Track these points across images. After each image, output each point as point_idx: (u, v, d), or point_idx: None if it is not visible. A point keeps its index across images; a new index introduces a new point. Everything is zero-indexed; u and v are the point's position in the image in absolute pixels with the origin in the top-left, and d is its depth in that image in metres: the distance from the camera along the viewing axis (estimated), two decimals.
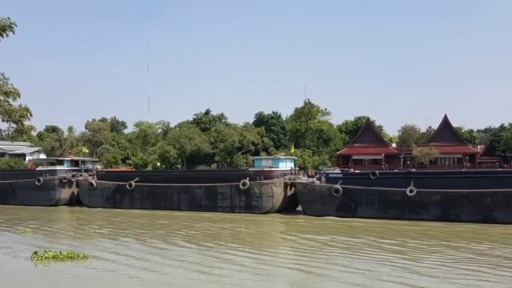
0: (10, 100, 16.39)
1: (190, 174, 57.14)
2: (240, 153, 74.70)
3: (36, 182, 57.34)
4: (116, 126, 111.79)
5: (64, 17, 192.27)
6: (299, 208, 48.04)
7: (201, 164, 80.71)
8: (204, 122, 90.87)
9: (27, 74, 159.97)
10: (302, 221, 42.40)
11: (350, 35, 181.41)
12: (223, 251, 28.55)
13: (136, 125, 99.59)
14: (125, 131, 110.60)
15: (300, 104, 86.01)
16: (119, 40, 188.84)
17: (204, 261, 25.39)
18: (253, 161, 58.08)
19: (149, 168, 73.64)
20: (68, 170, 59.71)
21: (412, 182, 41.82)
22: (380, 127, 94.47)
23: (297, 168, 56.53)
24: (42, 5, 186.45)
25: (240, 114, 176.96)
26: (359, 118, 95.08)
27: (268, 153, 71.36)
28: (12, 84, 16.30)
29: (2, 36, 14.93)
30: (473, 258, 25.85)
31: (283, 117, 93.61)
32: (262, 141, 77.10)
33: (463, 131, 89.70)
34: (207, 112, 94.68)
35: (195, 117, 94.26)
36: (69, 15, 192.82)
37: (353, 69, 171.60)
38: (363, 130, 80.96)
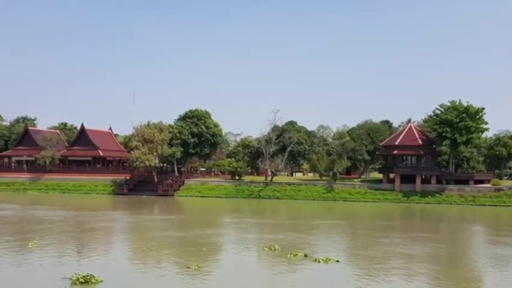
0: None
1: None
2: None
3: None
4: None
5: (52, 18, 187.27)
6: None
7: None
8: None
9: None
10: None
11: (346, 37, 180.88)
12: None
13: None
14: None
15: None
16: (109, 42, 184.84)
17: None
18: None
19: None
20: None
21: None
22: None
23: None
24: (31, 7, 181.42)
25: None
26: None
27: None
28: None
29: None
30: None
31: None
32: None
33: None
34: None
35: None
36: (56, 16, 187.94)
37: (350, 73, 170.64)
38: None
